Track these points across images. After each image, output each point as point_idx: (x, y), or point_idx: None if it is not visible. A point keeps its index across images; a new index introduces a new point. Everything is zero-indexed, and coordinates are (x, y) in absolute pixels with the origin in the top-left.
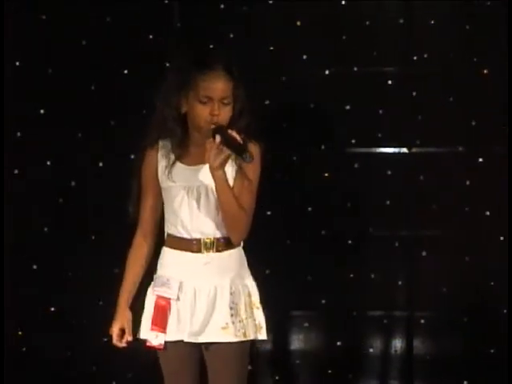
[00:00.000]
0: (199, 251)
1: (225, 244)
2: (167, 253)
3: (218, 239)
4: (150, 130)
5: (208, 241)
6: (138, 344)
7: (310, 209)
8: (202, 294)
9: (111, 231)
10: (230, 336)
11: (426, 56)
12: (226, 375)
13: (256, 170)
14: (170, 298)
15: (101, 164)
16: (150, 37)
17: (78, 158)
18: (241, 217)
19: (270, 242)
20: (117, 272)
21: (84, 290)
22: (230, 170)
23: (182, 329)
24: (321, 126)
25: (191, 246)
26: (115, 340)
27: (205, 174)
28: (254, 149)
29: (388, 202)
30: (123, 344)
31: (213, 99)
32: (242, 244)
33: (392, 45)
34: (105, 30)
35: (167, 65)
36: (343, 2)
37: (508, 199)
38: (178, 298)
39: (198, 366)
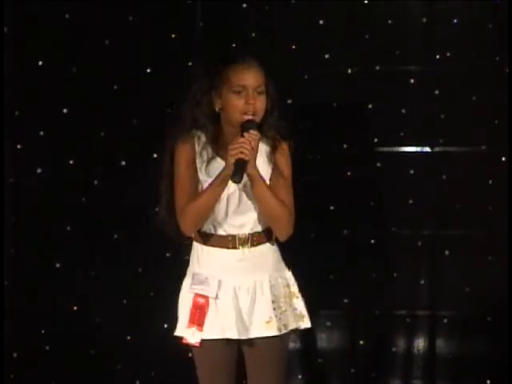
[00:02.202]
0: (235, 247)
1: (259, 238)
2: (201, 250)
3: (252, 234)
4: (179, 129)
5: (243, 236)
6: (162, 343)
7: (332, 208)
8: (242, 290)
9: (134, 230)
10: (273, 330)
11: (448, 55)
12: (269, 369)
13: (290, 167)
14: (208, 297)
15: (123, 163)
16: (173, 36)
17: (101, 157)
18: (282, 212)
19: (292, 241)
20: (140, 271)
21: (107, 289)
22: (266, 167)
23: (225, 327)
24: (343, 125)
25: (226, 242)
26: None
27: None
28: (285, 146)
29: (411, 201)
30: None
31: (247, 88)
32: (274, 237)
33: (415, 44)
34: (128, 29)
35: (190, 64)
36: (366, 1)
37: None
38: (217, 297)
39: (234, 364)
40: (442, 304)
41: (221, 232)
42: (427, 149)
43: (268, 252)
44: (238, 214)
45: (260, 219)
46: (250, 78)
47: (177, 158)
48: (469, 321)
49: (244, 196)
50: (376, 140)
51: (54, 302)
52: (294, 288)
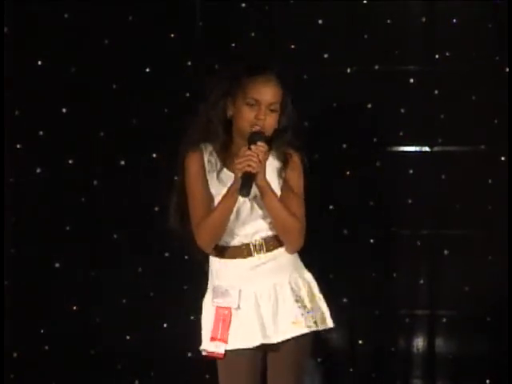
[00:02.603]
0: (250, 255)
1: (274, 242)
2: (218, 263)
3: (265, 239)
4: (191, 132)
5: (257, 243)
6: (162, 343)
7: (331, 207)
8: (263, 297)
9: (133, 230)
10: (301, 328)
11: (447, 54)
12: (291, 370)
13: (301, 180)
14: (230, 308)
15: (123, 163)
16: (173, 36)
17: (101, 156)
18: (294, 224)
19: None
20: (140, 271)
21: (107, 289)
22: (276, 182)
23: (249, 336)
24: (343, 124)
25: (241, 251)
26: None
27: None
28: (297, 159)
29: (410, 201)
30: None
31: (260, 103)
32: None
33: (414, 43)
34: (127, 29)
35: (189, 64)
36: (365, 1)
37: None
38: (239, 307)
39: (259, 376)
40: (442, 304)
41: (234, 243)
42: (427, 148)
43: (284, 254)
44: (249, 223)
45: (272, 224)
46: (265, 93)
47: (187, 171)
48: (468, 320)
49: (255, 205)
50: (375, 140)
51: (53, 301)
52: (316, 290)
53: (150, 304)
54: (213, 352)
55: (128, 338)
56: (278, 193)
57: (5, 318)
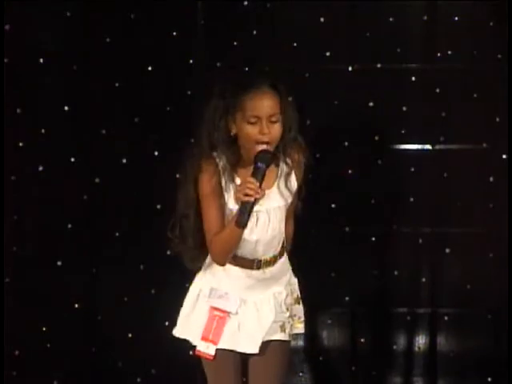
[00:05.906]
0: (259, 268)
1: (280, 255)
2: (222, 267)
3: (275, 256)
4: (197, 151)
5: (269, 259)
6: (163, 340)
7: (333, 206)
8: (263, 305)
9: (135, 228)
10: (285, 335)
11: (449, 53)
12: (274, 371)
13: (300, 175)
14: (226, 311)
15: (124, 161)
16: (174, 34)
17: (102, 155)
18: (292, 231)
19: (293, 238)
20: (142, 269)
21: (109, 287)
22: (284, 190)
23: (241, 340)
24: (344, 122)
25: (251, 264)
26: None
27: (267, 198)
28: (301, 157)
29: (411, 199)
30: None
31: (261, 118)
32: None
33: (416, 41)
34: (129, 27)
35: (191, 62)
36: None
37: None
38: (237, 313)
39: (241, 372)
40: (443, 301)
41: (246, 255)
42: (428, 146)
43: (285, 264)
44: (268, 241)
45: (280, 239)
46: (263, 107)
47: (202, 185)
48: (469, 318)
49: (274, 222)
50: (377, 138)
51: (55, 299)
52: (297, 294)
53: (152, 302)
54: (202, 352)
55: (129, 335)
56: (288, 199)
57: (6, 316)
